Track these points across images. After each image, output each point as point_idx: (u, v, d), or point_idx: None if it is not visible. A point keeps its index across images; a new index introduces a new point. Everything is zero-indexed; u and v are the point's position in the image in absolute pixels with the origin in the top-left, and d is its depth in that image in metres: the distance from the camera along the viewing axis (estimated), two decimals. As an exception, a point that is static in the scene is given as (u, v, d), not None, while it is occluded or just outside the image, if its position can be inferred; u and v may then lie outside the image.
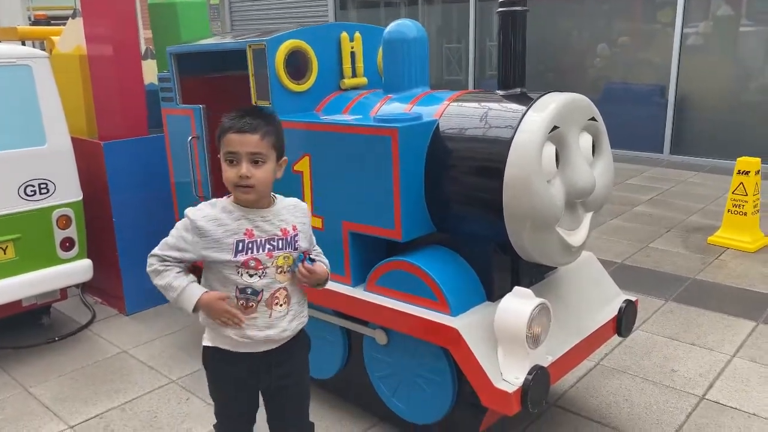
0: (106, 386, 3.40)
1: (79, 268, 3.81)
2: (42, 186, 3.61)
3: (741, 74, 8.25)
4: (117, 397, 3.29)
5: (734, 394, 3.13)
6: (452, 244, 2.66)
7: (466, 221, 2.57)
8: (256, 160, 1.92)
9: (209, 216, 1.97)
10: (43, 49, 5.19)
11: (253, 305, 1.99)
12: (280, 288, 2.02)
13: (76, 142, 3.84)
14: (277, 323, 2.03)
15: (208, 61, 3.59)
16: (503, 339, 2.31)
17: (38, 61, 3.59)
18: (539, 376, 2.27)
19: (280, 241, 2.00)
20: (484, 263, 2.59)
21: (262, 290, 1.99)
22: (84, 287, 4.51)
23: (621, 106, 8.86)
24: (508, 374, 2.29)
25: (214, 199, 2.06)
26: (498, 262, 2.59)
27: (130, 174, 4.14)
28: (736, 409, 3.02)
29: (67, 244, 3.75)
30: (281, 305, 2.03)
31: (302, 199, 2.84)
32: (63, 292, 3.99)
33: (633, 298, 2.89)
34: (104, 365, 3.63)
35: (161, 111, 3.58)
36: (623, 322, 2.79)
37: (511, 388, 2.24)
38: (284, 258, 2.01)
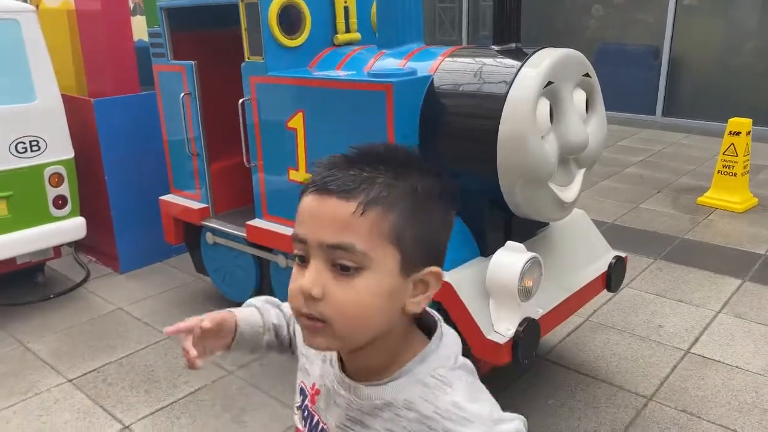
0: (102, 342, 3.44)
1: (72, 226, 3.82)
2: (33, 143, 3.58)
3: (735, 36, 8.20)
4: (113, 353, 3.33)
5: (718, 348, 3.22)
6: (446, 201, 2.67)
7: (460, 177, 2.58)
8: (343, 265, 0.88)
9: None
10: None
11: None
12: None
13: (65, 99, 3.79)
14: None
15: (200, 16, 3.53)
16: (495, 292, 2.36)
17: (26, 15, 3.53)
18: (530, 328, 2.32)
19: None
20: (478, 219, 2.61)
21: None
22: (77, 246, 4.52)
23: (614, 68, 8.81)
24: (499, 326, 2.35)
25: None
26: (491, 219, 2.62)
27: (122, 132, 4.11)
28: (719, 362, 3.10)
29: (60, 201, 3.74)
30: None
31: (296, 156, 2.86)
32: (57, 251, 4.00)
33: (623, 255, 2.93)
34: (100, 322, 3.67)
35: (152, 67, 3.54)
36: (613, 277, 2.84)
37: (502, 340, 2.29)
38: None
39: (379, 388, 0.93)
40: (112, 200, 4.15)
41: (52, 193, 3.70)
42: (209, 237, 3.49)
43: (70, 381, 3.09)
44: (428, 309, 0.99)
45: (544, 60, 2.32)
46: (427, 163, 0.94)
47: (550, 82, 2.30)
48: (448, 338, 0.96)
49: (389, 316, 0.90)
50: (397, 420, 0.91)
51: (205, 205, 3.45)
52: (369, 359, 0.94)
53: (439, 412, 0.89)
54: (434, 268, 0.92)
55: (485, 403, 0.92)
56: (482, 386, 0.95)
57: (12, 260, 3.71)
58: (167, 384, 3.04)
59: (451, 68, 2.57)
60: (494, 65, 2.45)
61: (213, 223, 3.40)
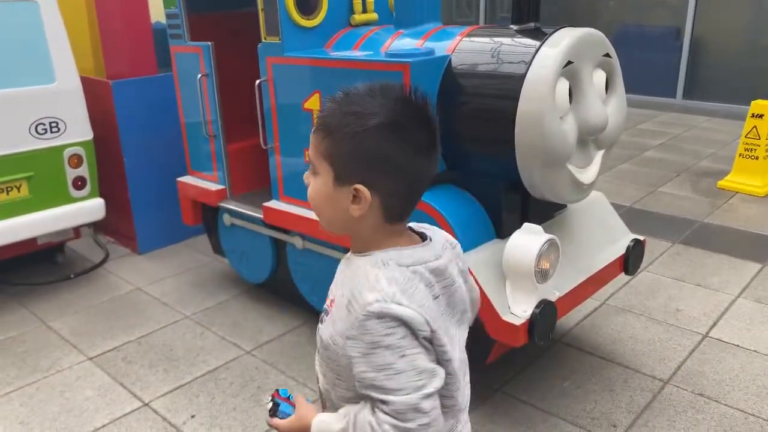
0: (121, 321, 3.49)
1: (91, 207, 3.86)
2: (53, 124, 3.61)
3: (759, 16, 8.02)
4: (133, 332, 3.38)
5: (737, 333, 3.19)
6: (463, 183, 2.66)
7: (478, 158, 2.57)
8: (313, 169, 1.22)
9: None
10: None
11: None
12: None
13: (84, 81, 3.82)
14: None
15: (216, -3, 3.53)
16: (512, 273, 2.35)
17: (44, -4, 3.54)
18: (546, 310, 2.31)
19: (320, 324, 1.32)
20: (494, 201, 2.60)
21: None
22: (96, 227, 4.56)
23: (634, 49, 8.67)
24: (516, 308, 2.34)
25: None
26: (508, 200, 2.60)
27: (140, 113, 4.14)
28: (737, 346, 3.07)
29: (79, 183, 3.78)
30: None
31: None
32: (76, 231, 4.05)
33: (641, 238, 2.91)
34: (119, 301, 3.72)
35: (169, 49, 3.55)
36: (630, 260, 2.82)
37: (518, 321, 2.29)
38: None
39: (355, 257, 1.24)
40: (130, 182, 4.19)
41: (71, 174, 3.74)
42: (226, 218, 3.51)
43: (91, 359, 3.14)
44: (437, 230, 1.28)
45: (563, 39, 2.29)
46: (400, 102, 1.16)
47: (569, 62, 2.27)
48: (417, 252, 1.19)
49: (335, 212, 1.20)
50: (347, 279, 1.22)
51: (222, 187, 3.46)
52: (354, 244, 1.25)
53: (366, 277, 1.16)
54: (358, 186, 1.14)
55: (399, 293, 1.13)
56: (414, 293, 1.15)
57: (33, 240, 3.76)
58: (185, 363, 3.08)
59: (469, 48, 2.54)
60: (513, 45, 2.42)
61: (230, 205, 3.41)
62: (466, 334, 1.30)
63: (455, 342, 1.23)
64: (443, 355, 1.17)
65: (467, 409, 1.32)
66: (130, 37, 4.13)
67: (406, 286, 1.14)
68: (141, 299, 3.74)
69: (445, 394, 1.20)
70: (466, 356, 1.29)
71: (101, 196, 3.93)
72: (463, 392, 1.28)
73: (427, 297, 1.16)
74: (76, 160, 3.74)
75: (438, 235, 1.27)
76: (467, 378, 1.30)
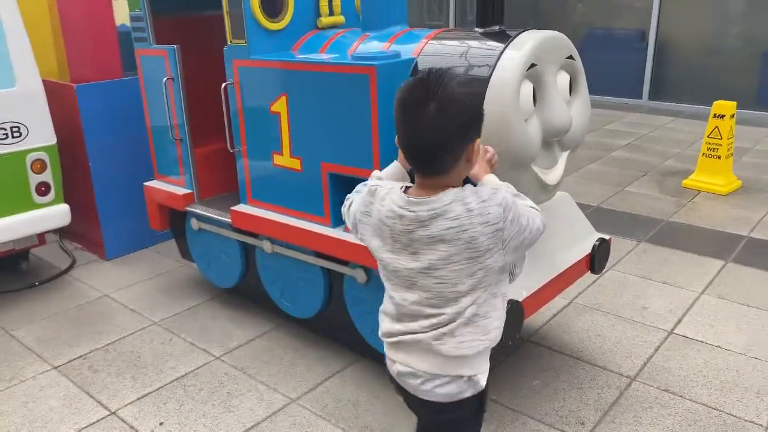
0: (88, 328, 3.43)
1: (56, 213, 3.78)
2: (14, 129, 3.53)
3: (720, 19, 8.22)
4: (100, 339, 3.32)
5: (700, 329, 3.25)
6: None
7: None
8: None
9: None
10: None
11: None
12: None
13: (47, 84, 3.74)
14: None
15: (182, -1, 3.49)
16: (479, 275, 2.36)
17: (4, -2, 3.47)
18: (514, 310, 2.33)
19: None
20: (462, 202, 2.61)
21: None
22: (62, 233, 4.49)
23: (602, 52, 8.81)
24: (483, 308, 2.35)
25: None
26: (475, 202, 2.62)
27: (105, 117, 4.08)
28: (701, 342, 3.14)
29: (43, 188, 3.70)
30: None
31: (280, 140, 2.85)
32: (41, 238, 3.97)
33: (606, 237, 2.95)
34: (86, 309, 3.65)
35: (134, 52, 3.50)
36: (596, 259, 2.86)
37: (486, 322, 2.30)
38: None
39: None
40: (97, 186, 4.12)
41: (34, 179, 3.66)
42: (194, 223, 3.48)
43: (56, 368, 3.08)
44: (455, 204, 1.49)
45: (527, 42, 2.32)
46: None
47: (533, 65, 2.30)
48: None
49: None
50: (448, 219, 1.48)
51: (190, 191, 3.43)
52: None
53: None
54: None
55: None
56: (378, 185, 1.66)
57: (-5, 248, 3.68)
58: (154, 369, 3.04)
59: (435, 51, 2.55)
60: (477, 48, 2.45)
61: (197, 209, 3.38)
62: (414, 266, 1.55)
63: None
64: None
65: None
66: (94, 40, 4.06)
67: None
68: (108, 306, 3.68)
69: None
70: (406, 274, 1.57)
71: (67, 201, 3.86)
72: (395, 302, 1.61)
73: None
74: (39, 165, 3.67)
75: (448, 198, 1.50)
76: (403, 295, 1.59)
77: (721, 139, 5.23)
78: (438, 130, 1.45)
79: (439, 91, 1.44)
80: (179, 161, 3.44)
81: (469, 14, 10.73)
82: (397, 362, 1.66)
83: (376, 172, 1.82)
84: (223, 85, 2.97)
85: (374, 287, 2.72)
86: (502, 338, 2.31)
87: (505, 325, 2.30)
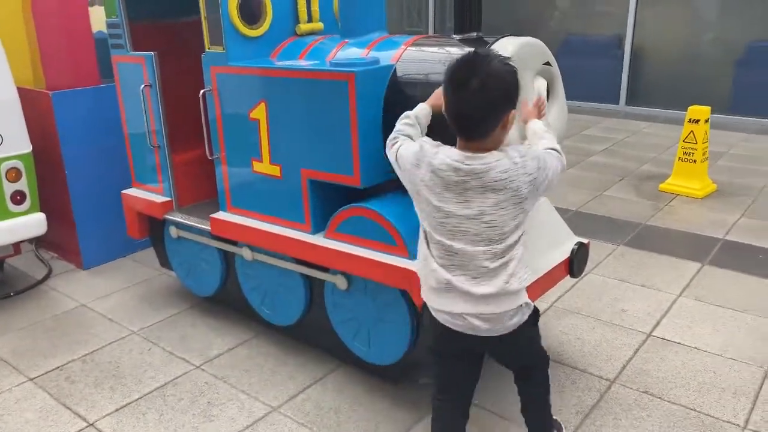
0: (65, 339, 3.37)
1: (31, 222, 3.72)
2: (-12, 137, 3.48)
3: (694, 25, 8.37)
4: (77, 349, 3.27)
5: (678, 331, 3.30)
6: (410, 190, 2.68)
7: (424, 166, 2.60)
8: None
9: None
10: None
11: None
12: None
13: (22, 92, 3.69)
14: None
15: (159, 5, 3.47)
16: (460, 280, 2.37)
17: (-23, 5, 3.42)
18: (494, 315, 2.34)
19: None
20: (442, 208, 2.62)
21: None
22: (38, 242, 4.42)
23: (579, 58, 8.92)
24: (464, 313, 2.36)
25: None
26: (455, 207, 2.63)
27: (82, 125, 4.03)
28: (679, 343, 3.18)
29: (18, 197, 3.65)
30: None
31: (259, 147, 2.84)
32: (16, 247, 3.91)
33: (585, 241, 2.98)
34: (63, 319, 3.60)
35: (111, 59, 3.47)
36: (575, 263, 2.88)
37: (467, 327, 2.31)
38: None
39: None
40: (73, 195, 4.07)
41: (9, 188, 3.60)
42: (173, 231, 3.44)
43: (32, 380, 3.02)
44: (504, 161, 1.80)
45: (504, 49, 2.34)
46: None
47: (510, 71, 2.32)
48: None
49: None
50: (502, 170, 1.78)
51: (168, 199, 3.40)
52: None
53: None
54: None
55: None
56: (430, 143, 1.92)
57: (-31, 258, 3.62)
58: (132, 380, 3.00)
59: (414, 57, 2.57)
60: (455, 54, 2.45)
61: (176, 217, 3.35)
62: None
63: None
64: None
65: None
66: (70, 47, 4.02)
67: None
68: (86, 316, 3.63)
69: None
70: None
71: (43, 210, 3.80)
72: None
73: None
74: (14, 174, 3.61)
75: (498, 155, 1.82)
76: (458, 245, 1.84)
77: (697, 143, 5.32)
78: (481, 101, 1.75)
79: (483, 68, 1.74)
80: (157, 169, 3.41)
81: (448, 21, 10.80)
82: (468, 315, 1.88)
83: (407, 112, 2.13)
84: (202, 92, 2.96)
85: (355, 293, 2.71)
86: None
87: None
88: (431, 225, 1.86)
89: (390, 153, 2.04)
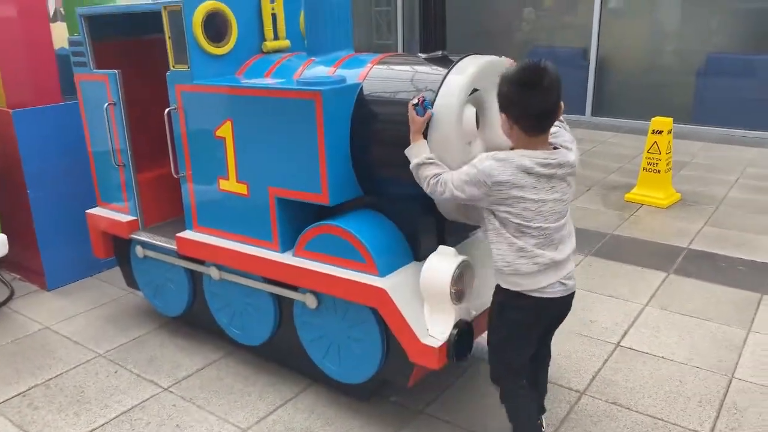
0: (28, 364, 3.29)
1: (-8, 244, 3.63)
2: (-54, 158, 3.39)
3: (657, 37, 8.57)
4: (40, 374, 3.19)
5: (646, 340, 3.35)
6: (379, 207, 2.69)
7: (392, 184, 2.61)
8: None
9: None
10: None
11: None
12: None
13: (-19, 110, 3.62)
14: None
15: (123, 23, 3.43)
16: (429, 296, 2.38)
17: (-67, 23, 3.34)
18: (463, 331, 2.36)
19: None
20: (411, 224, 2.63)
21: None
22: (0, 263, 4.31)
23: (545, 70, 9.04)
24: (434, 330, 2.37)
25: None
26: (424, 223, 2.64)
27: (45, 143, 3.95)
28: (646, 353, 3.23)
29: (-22, 218, 3.56)
30: None
31: (225, 165, 2.82)
32: (-24, 269, 3.81)
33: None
34: (25, 343, 3.51)
35: (74, 77, 3.42)
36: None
37: (436, 343, 2.32)
38: None
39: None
40: (36, 215, 3.98)
41: (-32, 209, 3.52)
42: (139, 250, 3.39)
43: (-7, 407, 2.94)
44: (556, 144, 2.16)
45: (468, 67, 2.36)
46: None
47: (475, 89, 2.35)
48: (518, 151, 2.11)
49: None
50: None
51: (134, 218, 3.35)
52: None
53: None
54: (505, 116, 2.12)
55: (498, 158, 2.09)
56: (505, 156, 2.09)
57: (-74, 282, 3.51)
58: (98, 404, 2.93)
59: (380, 75, 2.58)
60: (421, 72, 2.48)
61: (142, 237, 3.30)
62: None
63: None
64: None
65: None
66: (31, 64, 3.95)
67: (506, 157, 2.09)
68: (50, 339, 3.54)
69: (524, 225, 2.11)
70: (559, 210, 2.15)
71: (4, 231, 3.72)
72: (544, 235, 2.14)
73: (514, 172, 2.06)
74: (-27, 195, 3.52)
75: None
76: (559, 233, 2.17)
77: (660, 154, 5.43)
78: (553, 97, 2.04)
79: (545, 69, 2.02)
80: (122, 187, 3.36)
81: (417, 34, 10.89)
82: (563, 279, 2.18)
83: (425, 156, 2.28)
84: (167, 110, 2.92)
85: (324, 312, 2.70)
86: (453, 359, 2.34)
87: (455, 345, 2.34)
88: (529, 217, 2.08)
89: (447, 189, 2.18)
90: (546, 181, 2.08)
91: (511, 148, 2.14)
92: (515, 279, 2.16)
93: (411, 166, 2.27)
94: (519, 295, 2.18)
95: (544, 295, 2.18)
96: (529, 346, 2.35)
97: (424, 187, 2.26)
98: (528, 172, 2.05)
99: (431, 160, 2.25)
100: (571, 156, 2.14)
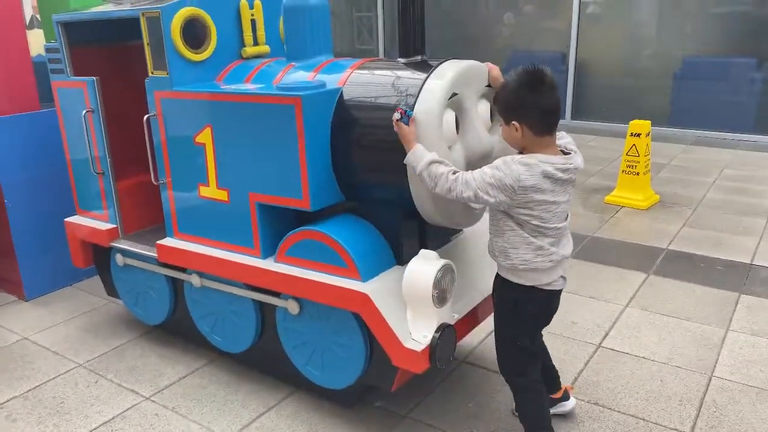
0: (6, 375, 3.24)
1: (-32, 254, 3.58)
2: None
3: (634, 42, 8.68)
4: (19, 386, 3.14)
5: (627, 341, 3.38)
6: (361, 212, 2.69)
7: (373, 188, 2.61)
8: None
9: None
10: None
11: None
12: None
13: (-44, 118, 3.57)
14: None
15: (100, 30, 3.40)
16: (411, 300, 2.38)
17: None
18: (446, 334, 2.36)
19: None
20: (392, 229, 2.64)
21: None
22: (-24, 274, 4.24)
23: (525, 74, 9.11)
24: (416, 334, 2.37)
25: None
26: (405, 227, 2.65)
27: (22, 151, 3.91)
28: (627, 354, 3.26)
29: (-46, 228, 3.51)
30: None
31: (206, 172, 2.80)
32: (-48, 280, 3.75)
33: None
34: (3, 354, 3.45)
35: (51, 84, 3.38)
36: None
37: (419, 347, 2.32)
38: None
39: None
40: (13, 224, 3.93)
41: (-57, 219, 3.46)
42: (119, 259, 3.36)
43: (-30, 420, 2.89)
44: (564, 149, 2.28)
45: (447, 72, 2.38)
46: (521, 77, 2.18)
47: (454, 94, 2.36)
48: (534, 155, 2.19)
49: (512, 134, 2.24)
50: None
51: (114, 226, 3.32)
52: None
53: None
54: (512, 122, 2.19)
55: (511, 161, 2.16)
56: (529, 161, 2.16)
57: None
58: (78, 415, 2.89)
59: (360, 80, 2.58)
60: (401, 77, 2.49)
61: (122, 244, 3.27)
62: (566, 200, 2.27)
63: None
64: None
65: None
66: (8, 72, 3.90)
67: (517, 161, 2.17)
68: (28, 350, 3.49)
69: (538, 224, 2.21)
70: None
71: (-20, 241, 3.66)
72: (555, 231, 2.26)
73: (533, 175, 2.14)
74: (-52, 204, 3.47)
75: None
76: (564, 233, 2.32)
77: (639, 156, 5.49)
78: (556, 95, 2.15)
79: (544, 72, 2.14)
80: (102, 195, 3.33)
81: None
82: (563, 274, 2.36)
83: (431, 157, 2.24)
84: (146, 117, 2.90)
85: (307, 317, 2.69)
86: (436, 362, 2.35)
87: (438, 348, 2.34)
88: (546, 218, 2.19)
89: (469, 189, 2.18)
90: (561, 185, 2.20)
91: (519, 152, 2.22)
92: (532, 275, 2.29)
93: (419, 168, 2.23)
94: (533, 289, 2.31)
95: (552, 288, 2.34)
96: (538, 335, 2.60)
97: (438, 184, 2.21)
98: (550, 177, 2.15)
99: (441, 159, 2.24)
100: (580, 159, 2.26)
